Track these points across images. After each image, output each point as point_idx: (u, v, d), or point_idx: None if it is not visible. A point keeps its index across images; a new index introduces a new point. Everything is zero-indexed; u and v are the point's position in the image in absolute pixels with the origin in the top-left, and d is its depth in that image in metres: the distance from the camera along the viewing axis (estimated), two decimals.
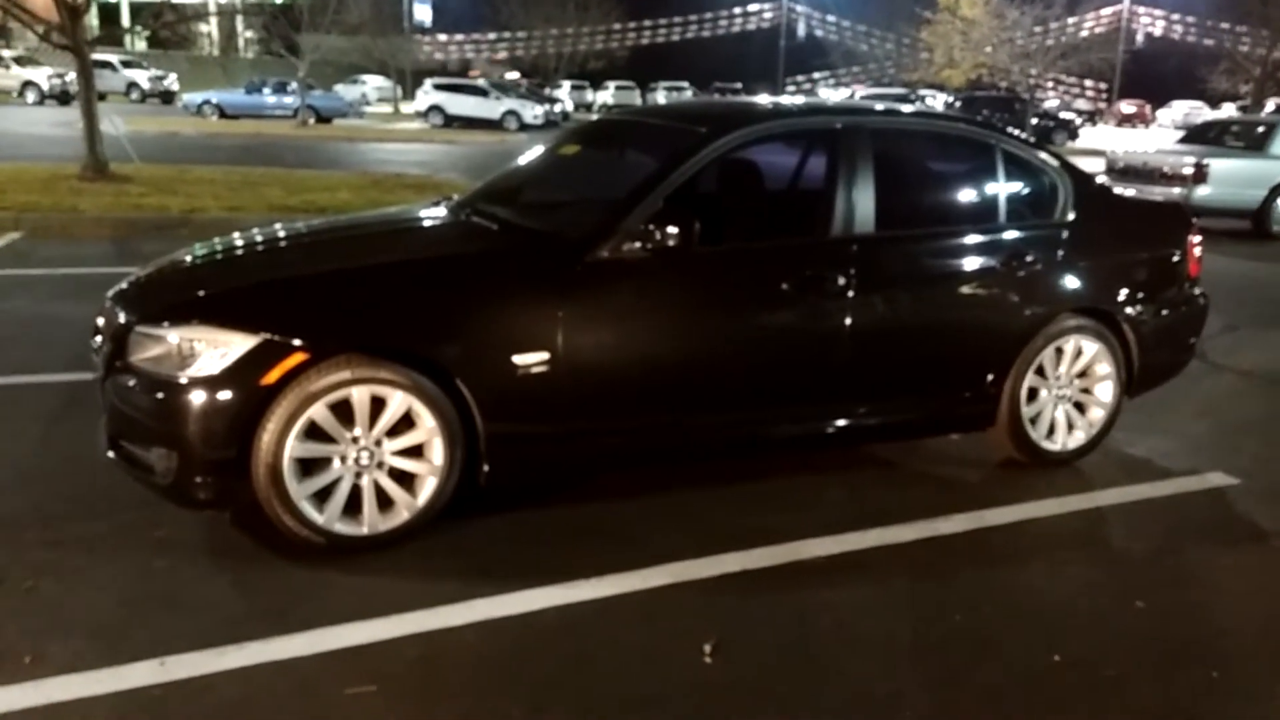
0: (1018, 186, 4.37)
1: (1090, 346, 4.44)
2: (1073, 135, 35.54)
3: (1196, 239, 4.79)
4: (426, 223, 4.40)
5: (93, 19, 12.02)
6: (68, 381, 5.09)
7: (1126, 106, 59.22)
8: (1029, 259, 4.26)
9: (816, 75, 70.77)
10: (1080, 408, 4.54)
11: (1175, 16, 65.32)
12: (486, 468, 3.52)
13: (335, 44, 30.83)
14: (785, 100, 5.69)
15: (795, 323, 3.87)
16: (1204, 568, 3.69)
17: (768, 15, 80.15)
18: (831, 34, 74.48)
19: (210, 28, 48.55)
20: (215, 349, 3.20)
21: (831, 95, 49.33)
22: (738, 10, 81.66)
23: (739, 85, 58.01)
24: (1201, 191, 12.75)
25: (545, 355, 3.47)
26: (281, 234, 4.23)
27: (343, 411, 3.32)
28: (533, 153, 4.88)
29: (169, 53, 40.23)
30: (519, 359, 3.44)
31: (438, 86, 35.12)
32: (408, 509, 3.46)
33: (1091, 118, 54.38)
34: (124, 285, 3.77)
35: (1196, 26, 59.71)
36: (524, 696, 2.70)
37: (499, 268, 3.61)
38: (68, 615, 3.00)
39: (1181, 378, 4.98)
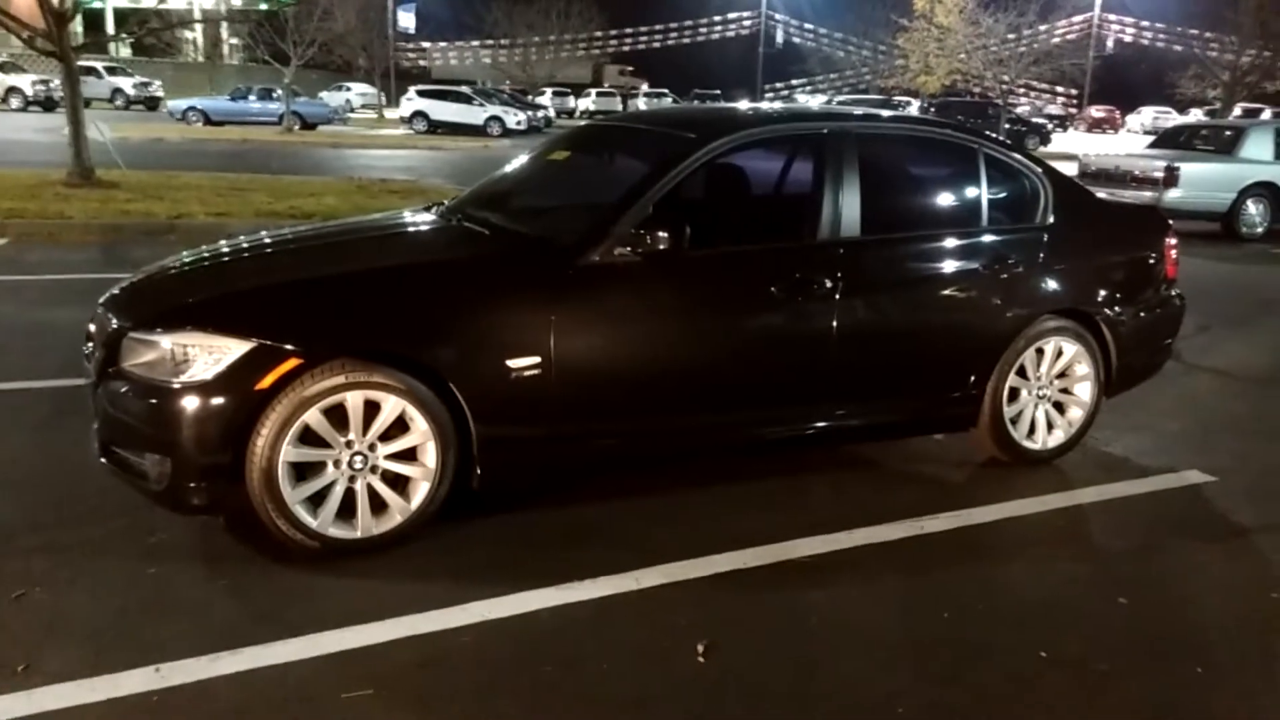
0: (1000, 190, 4.43)
1: (1070, 347, 4.51)
2: (1044, 140, 35.89)
3: (1173, 242, 4.87)
4: (418, 228, 4.42)
5: (78, 25, 11.97)
6: (56, 388, 5.10)
7: (1096, 112, 59.74)
8: (1011, 262, 4.33)
9: (795, 82, 71.05)
10: (1060, 407, 4.62)
11: (1145, 23, 65.96)
12: (479, 471, 3.55)
13: (320, 52, 30.71)
14: (771, 106, 5.74)
15: (783, 325, 3.92)
16: (1184, 564, 3.75)
17: (747, 23, 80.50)
18: (809, 41, 74.90)
19: (195, 34, 48.40)
20: (209, 354, 3.22)
21: (810, 102, 49.47)
22: (717, 18, 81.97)
23: (718, 92, 58.22)
24: (1172, 195, 12.93)
25: (537, 359, 3.50)
26: (272, 240, 4.25)
27: (336, 416, 3.35)
28: (522, 159, 4.91)
29: (153, 59, 40.10)
30: (511, 363, 3.48)
31: (421, 93, 35.22)
32: (401, 512, 3.49)
33: (1062, 123, 54.79)
34: (116, 291, 3.78)
35: (1166, 33, 60.28)
36: (522, 698, 2.73)
37: (491, 272, 3.64)
38: (60, 623, 3.00)
39: (1157, 377, 5.07)
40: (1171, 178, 13.07)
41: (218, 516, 3.56)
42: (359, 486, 3.43)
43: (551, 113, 43.07)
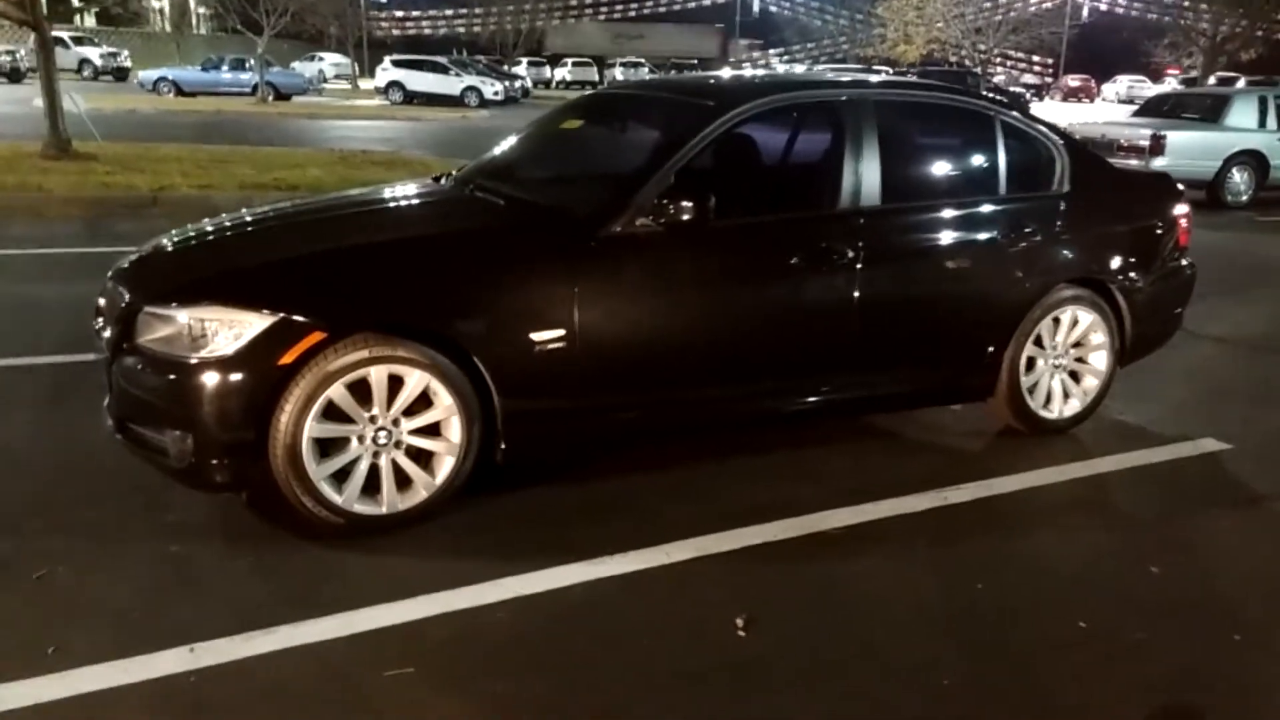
0: (1017, 158, 4.39)
1: (1086, 316, 4.50)
2: (1023, 110, 35.75)
3: (1186, 209, 4.86)
4: (431, 199, 4.33)
5: None
6: (55, 364, 5.00)
7: (1072, 81, 59.75)
8: (1028, 230, 4.30)
9: (771, 51, 70.70)
10: (1075, 376, 4.61)
11: None
12: (504, 445, 3.50)
13: (291, 22, 30.18)
14: (785, 73, 5.67)
15: (805, 296, 3.88)
16: (1210, 531, 3.76)
17: None
18: (785, 10, 74.48)
19: (162, 3, 47.53)
20: (229, 329, 3.14)
21: (787, 71, 49.17)
22: None
23: (695, 61, 57.90)
24: (1158, 163, 12.94)
25: (561, 331, 3.45)
26: (283, 212, 4.15)
27: (359, 391, 3.28)
28: (530, 128, 4.82)
29: (119, 29, 39.36)
30: (535, 335, 3.42)
31: (397, 63, 34.72)
32: (426, 488, 3.43)
33: (1039, 92, 54.80)
34: (126, 264, 3.69)
35: (1141, 2, 60.33)
36: (561, 674, 2.70)
37: (514, 244, 3.57)
38: (85, 604, 2.94)
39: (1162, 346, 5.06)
40: (1158, 146, 13.09)
41: (239, 494, 3.48)
42: (383, 462, 3.37)
43: (529, 83, 42.68)
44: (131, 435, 3.37)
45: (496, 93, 34.03)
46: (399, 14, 60.24)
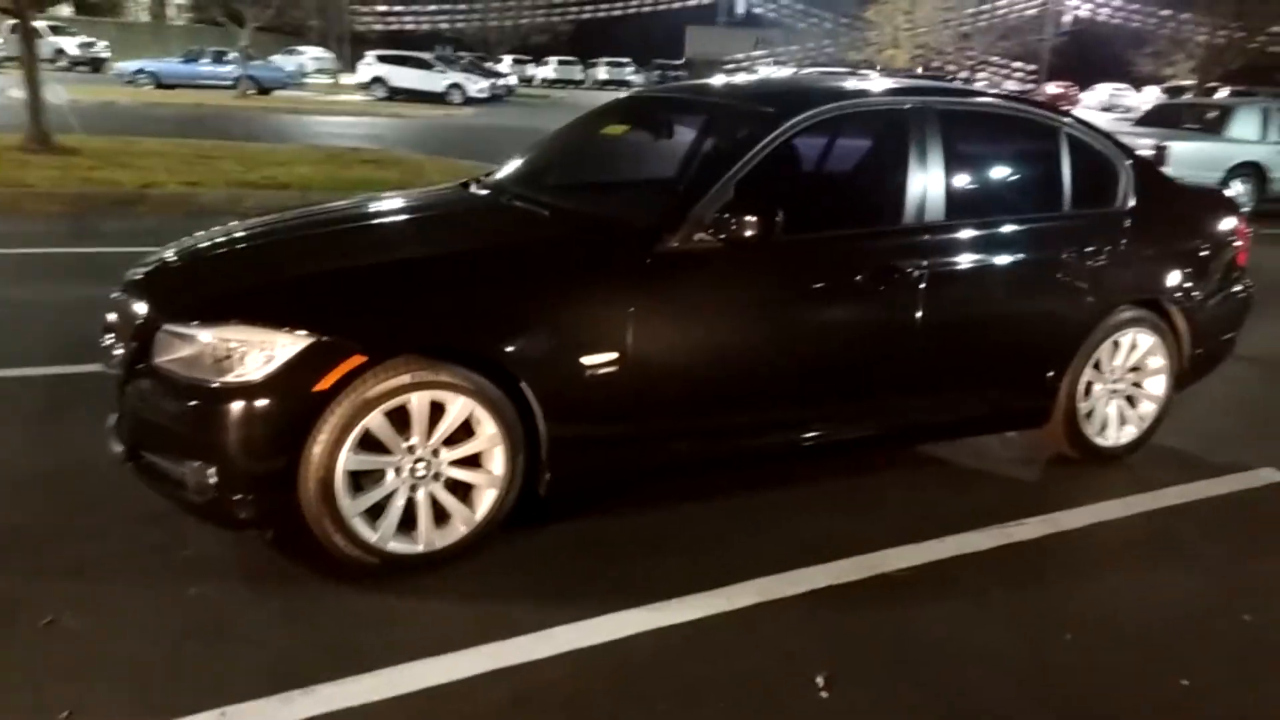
0: (1082, 171, 4.16)
1: (1146, 339, 4.29)
2: None
3: (1245, 226, 4.66)
4: (467, 208, 4.04)
5: None
6: (49, 376, 4.68)
7: (1054, 88, 59.87)
8: (1093, 248, 4.08)
9: (755, 53, 70.53)
10: (1131, 401, 4.39)
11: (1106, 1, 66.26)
12: (549, 476, 3.24)
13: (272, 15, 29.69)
14: (836, 80, 5.43)
15: (868, 317, 3.65)
16: None
17: None
18: (770, 11, 74.40)
19: None
20: (259, 351, 2.85)
21: (774, 74, 49.09)
22: None
23: (681, 62, 57.67)
24: None
25: (614, 355, 3.19)
26: (307, 219, 3.87)
27: (396, 418, 3.01)
28: (565, 131, 4.54)
29: (96, 19, 38.66)
30: (586, 359, 3.16)
31: (381, 58, 34.22)
32: (465, 523, 3.17)
33: None
34: (140, 275, 3.39)
35: (1124, 10, 60.58)
36: None
37: (565, 259, 3.31)
38: (100, 657, 2.65)
39: None
40: (1160, 157, 12.95)
41: (263, 532, 3.19)
42: (421, 496, 3.10)
43: (514, 81, 42.27)
44: (144, 464, 3.08)
45: (481, 90, 33.67)
46: (381, 8, 59.53)
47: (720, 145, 3.55)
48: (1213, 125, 13.80)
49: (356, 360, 2.87)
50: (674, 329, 3.33)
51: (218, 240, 3.64)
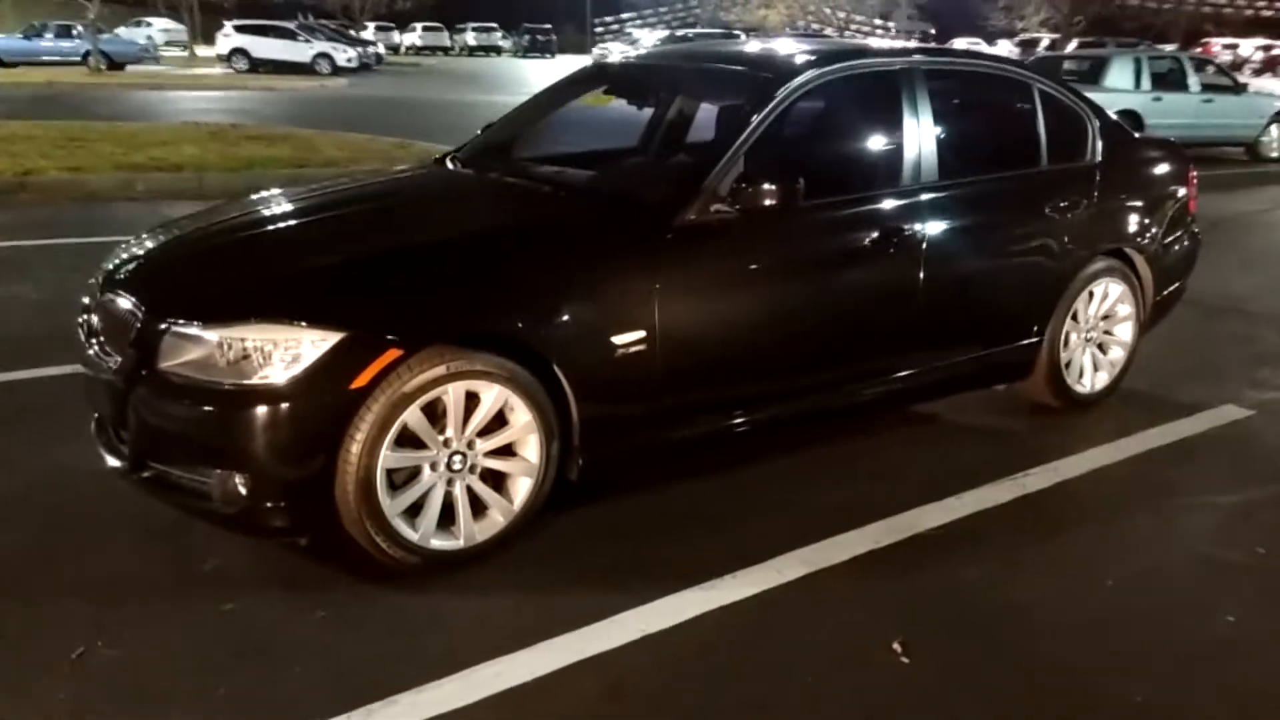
0: (1057, 127, 4.25)
1: (1116, 288, 4.43)
2: None
3: (1194, 174, 4.84)
4: (462, 188, 3.86)
5: None
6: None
7: (909, 44, 61.29)
8: (1071, 202, 4.18)
9: (625, 15, 70.18)
10: (1102, 349, 4.54)
11: None
12: (581, 461, 3.15)
13: None
14: (823, 41, 5.38)
15: (879, 279, 3.66)
16: None
17: None
18: None
19: None
20: (285, 349, 2.67)
21: (645, 37, 48.89)
22: None
23: (549, 26, 56.88)
24: None
25: (642, 333, 3.10)
26: (297, 205, 3.63)
27: (430, 412, 2.87)
28: (539, 102, 4.37)
29: None
30: (616, 338, 3.07)
31: (241, 29, 32.69)
32: (504, 514, 3.05)
33: None
34: (129, 270, 3.13)
35: None
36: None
37: (592, 238, 3.20)
38: (149, 687, 2.45)
39: None
40: None
41: (298, 539, 3.00)
42: (458, 490, 2.97)
43: (381, 49, 41.00)
44: (154, 477, 2.86)
45: (351, 59, 32.62)
46: None
47: (724, 113, 3.48)
48: (1089, 76, 14.33)
49: (393, 354, 2.72)
50: (699, 303, 3.26)
51: (210, 229, 3.39)
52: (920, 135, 3.74)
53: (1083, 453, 4.04)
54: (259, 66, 31.21)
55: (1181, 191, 4.73)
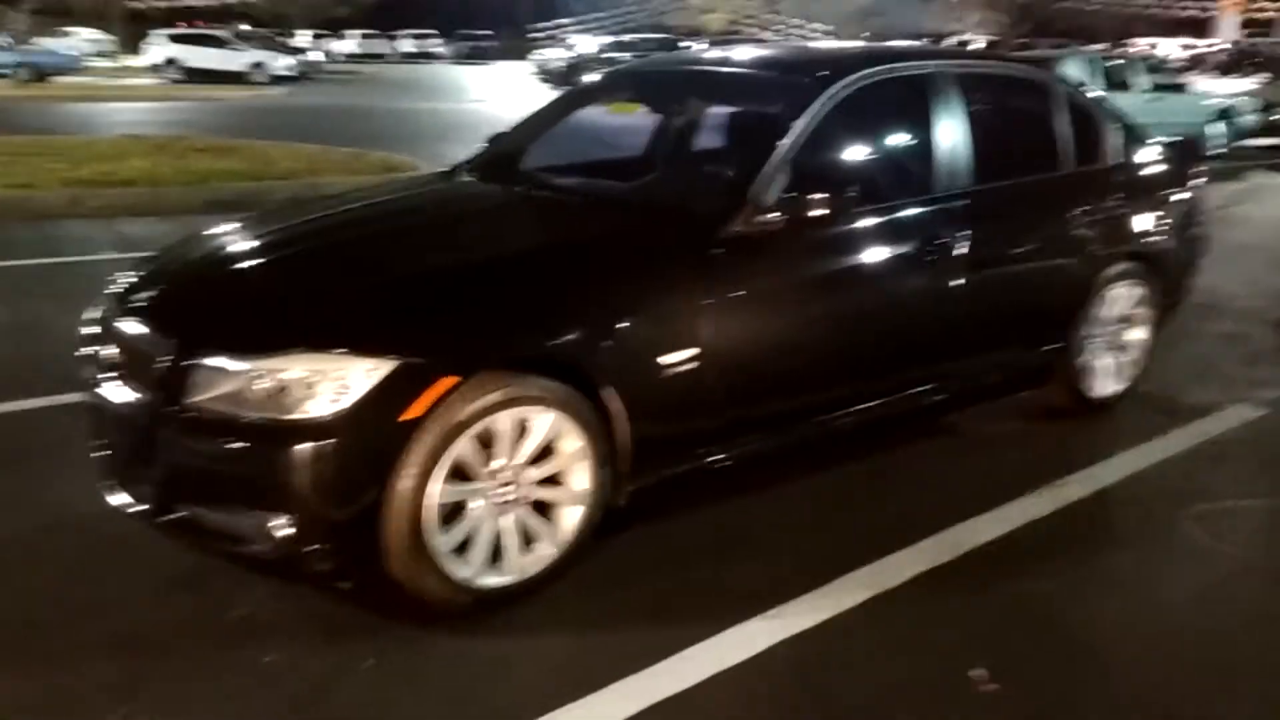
0: (1077, 129, 4.20)
1: (1136, 291, 4.40)
2: None
3: (1205, 170, 4.85)
4: (489, 203, 3.66)
5: None
6: None
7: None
8: (1094, 204, 4.17)
9: (564, 21, 69.86)
10: (1120, 351, 4.50)
11: None
12: (631, 487, 3.00)
13: None
14: (848, 44, 5.29)
15: (924, 286, 3.59)
16: None
17: None
18: None
19: None
20: (332, 381, 2.49)
21: (581, 42, 48.67)
22: None
23: (490, 32, 56.46)
24: None
25: (694, 350, 2.97)
26: (316, 225, 3.44)
27: (481, 441, 2.71)
28: (557, 111, 4.19)
29: None
30: (666, 358, 2.94)
31: (174, 38, 31.88)
32: (555, 545, 2.90)
33: None
34: (147, 297, 2.91)
35: None
36: None
37: (634, 253, 3.06)
38: None
39: None
40: None
41: (343, 583, 2.79)
42: (509, 523, 2.81)
43: (320, 56, 40.26)
44: (183, 519, 2.65)
45: (289, 68, 31.94)
46: None
47: (764, 120, 3.36)
48: None
49: (448, 382, 2.55)
50: (749, 318, 3.13)
51: (229, 252, 3.18)
52: (956, 139, 3.67)
53: (1113, 458, 3.99)
54: (192, 76, 30.43)
55: (1194, 191, 4.73)
